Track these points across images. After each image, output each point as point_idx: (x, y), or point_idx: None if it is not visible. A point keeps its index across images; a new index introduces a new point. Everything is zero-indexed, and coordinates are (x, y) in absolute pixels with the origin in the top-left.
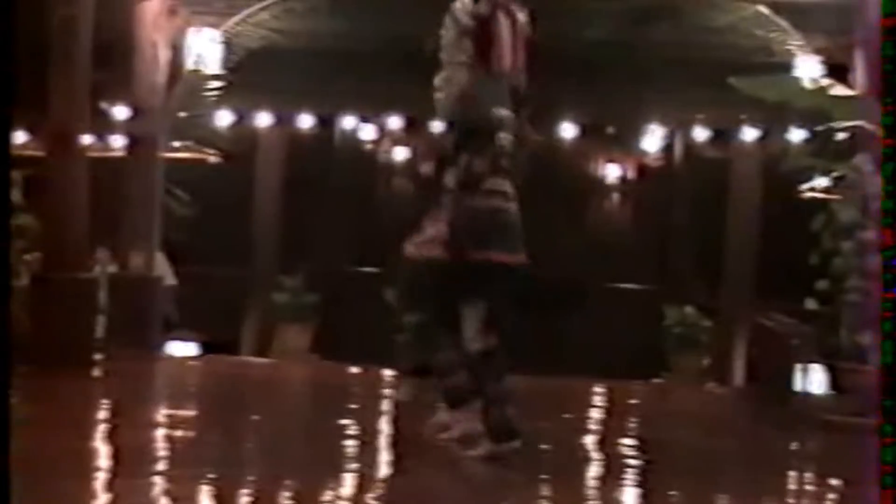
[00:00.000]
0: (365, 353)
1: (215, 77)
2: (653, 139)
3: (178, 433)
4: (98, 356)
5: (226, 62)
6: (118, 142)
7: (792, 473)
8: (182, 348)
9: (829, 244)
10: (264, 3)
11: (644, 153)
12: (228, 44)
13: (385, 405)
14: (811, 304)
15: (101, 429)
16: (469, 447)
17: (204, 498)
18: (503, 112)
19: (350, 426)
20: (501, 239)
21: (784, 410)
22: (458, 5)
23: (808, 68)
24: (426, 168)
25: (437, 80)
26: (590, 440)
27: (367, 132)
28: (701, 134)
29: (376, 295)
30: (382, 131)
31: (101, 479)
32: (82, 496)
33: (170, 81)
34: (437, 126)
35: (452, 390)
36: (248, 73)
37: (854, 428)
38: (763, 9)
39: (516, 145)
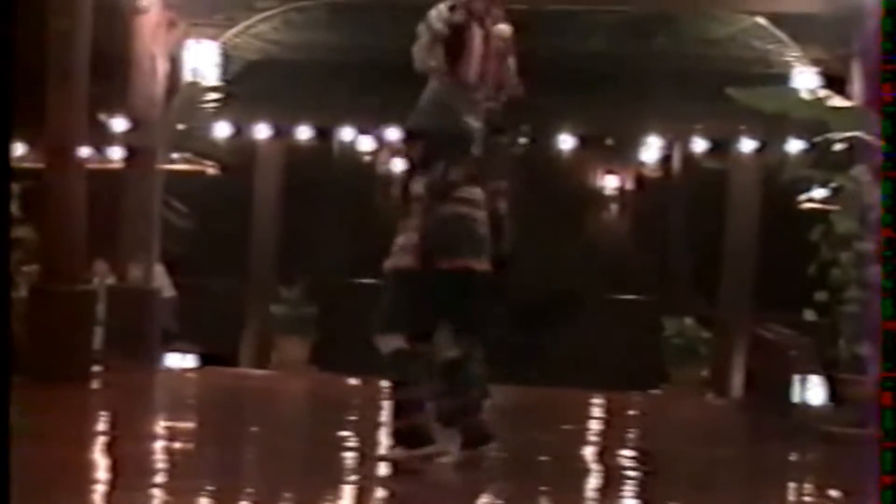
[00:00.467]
0: (364, 364)
1: (214, 89)
2: (651, 150)
3: (177, 445)
4: (96, 368)
5: (224, 74)
6: (117, 154)
7: (791, 484)
8: (180, 360)
9: (827, 255)
10: (263, 15)
11: (643, 164)
12: (227, 56)
13: (384, 417)
14: (810, 314)
15: (100, 441)
16: (440, 455)
17: None
18: (473, 122)
19: (349, 438)
20: (471, 246)
21: (783, 421)
22: (433, 12)
23: (806, 79)
24: (383, 168)
25: None
26: (589, 451)
27: (366, 144)
28: (699, 145)
29: (375, 306)
30: (381, 143)
31: (99, 491)
32: None
33: (168, 93)
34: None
35: (448, 412)
36: (246, 85)
37: (853, 439)
38: (761, 20)
39: (487, 154)
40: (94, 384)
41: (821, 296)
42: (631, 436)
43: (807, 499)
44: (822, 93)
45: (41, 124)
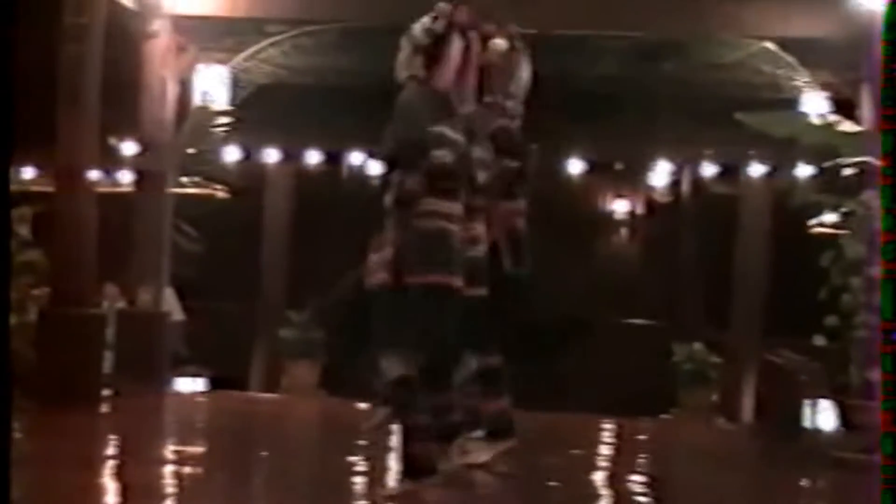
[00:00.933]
0: (373, 389)
1: (223, 113)
2: (661, 175)
3: (187, 469)
4: (106, 392)
5: (234, 98)
6: (126, 177)
7: None
8: (190, 384)
9: (837, 280)
10: (273, 40)
11: (652, 189)
12: (236, 80)
13: (393, 442)
14: (820, 340)
15: (109, 465)
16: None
17: None
18: (442, 129)
19: (358, 463)
20: (444, 261)
21: (793, 447)
22: (416, 25)
23: (815, 104)
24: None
25: None
26: (599, 476)
27: (375, 167)
28: (709, 169)
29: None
30: None
31: None
32: None
33: (178, 117)
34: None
35: (447, 426)
36: (256, 110)
37: (863, 465)
38: (770, 45)
39: (467, 166)
40: (104, 408)
41: (831, 321)
42: (641, 461)
43: None
44: (832, 117)
45: (52, 148)
